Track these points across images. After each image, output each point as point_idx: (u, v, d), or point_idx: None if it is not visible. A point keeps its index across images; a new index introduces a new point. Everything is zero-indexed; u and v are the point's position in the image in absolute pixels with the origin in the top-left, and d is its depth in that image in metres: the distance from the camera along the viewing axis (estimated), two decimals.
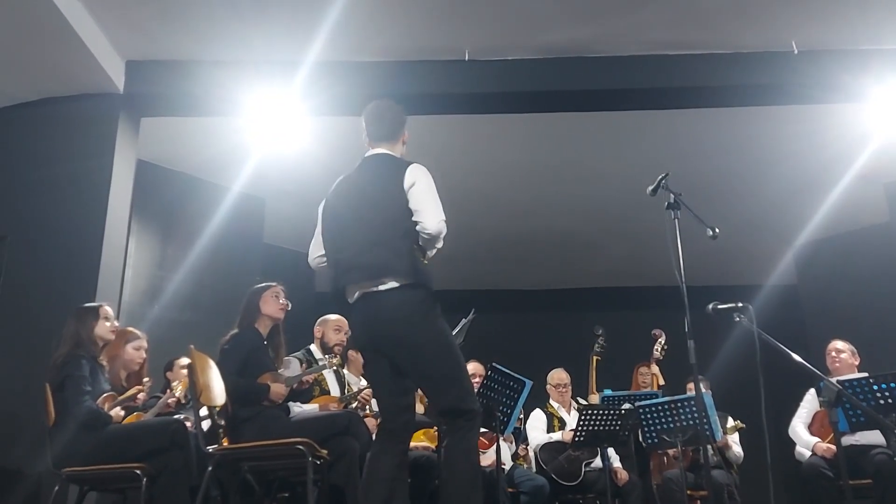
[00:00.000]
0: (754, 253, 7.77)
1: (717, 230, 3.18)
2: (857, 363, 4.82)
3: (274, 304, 3.79)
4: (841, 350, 4.85)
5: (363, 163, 3.12)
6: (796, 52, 4.92)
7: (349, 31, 4.66)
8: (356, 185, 3.08)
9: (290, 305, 3.87)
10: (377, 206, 2.96)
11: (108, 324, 3.74)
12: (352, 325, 3.10)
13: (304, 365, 4.17)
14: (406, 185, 2.93)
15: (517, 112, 5.38)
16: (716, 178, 6.26)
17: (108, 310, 3.80)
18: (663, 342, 5.79)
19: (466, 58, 4.98)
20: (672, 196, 3.30)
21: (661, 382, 5.68)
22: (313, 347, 4.37)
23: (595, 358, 5.57)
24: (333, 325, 4.38)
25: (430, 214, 2.89)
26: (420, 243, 2.91)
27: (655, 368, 5.77)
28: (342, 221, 3.03)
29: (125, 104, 4.97)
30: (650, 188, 3.35)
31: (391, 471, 2.83)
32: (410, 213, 2.90)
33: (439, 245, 2.95)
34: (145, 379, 3.95)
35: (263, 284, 3.87)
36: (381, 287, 2.85)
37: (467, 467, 2.83)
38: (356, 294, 2.92)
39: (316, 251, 3.14)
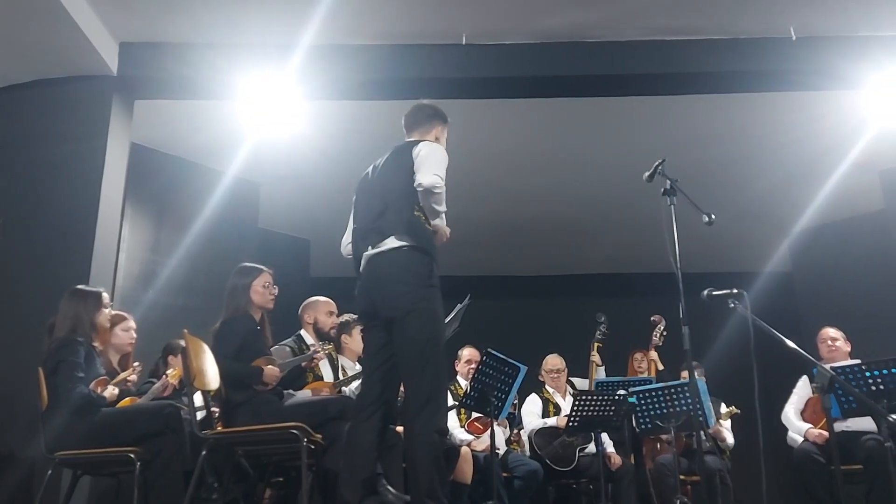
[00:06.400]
0: (749, 240, 7.77)
1: (712, 216, 3.19)
2: (848, 349, 4.85)
3: (264, 293, 3.72)
4: (835, 338, 4.86)
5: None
6: (794, 38, 4.90)
7: (345, 14, 4.62)
8: (379, 166, 3.26)
9: (276, 290, 3.80)
10: (391, 178, 3.14)
11: (106, 311, 3.74)
12: (358, 293, 3.17)
13: (312, 350, 4.05)
14: (414, 154, 3.09)
15: (514, 97, 5.36)
16: (712, 164, 6.25)
17: (107, 297, 3.80)
18: (662, 328, 5.78)
19: (464, 42, 4.94)
20: (668, 182, 3.29)
21: (661, 367, 5.69)
22: (303, 333, 4.26)
23: (596, 345, 5.57)
24: (325, 307, 4.31)
25: (424, 170, 3.02)
26: (421, 204, 3.01)
27: (654, 354, 5.77)
28: (363, 196, 3.24)
29: (119, 86, 4.92)
30: (647, 174, 3.35)
31: (370, 441, 2.96)
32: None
33: (437, 206, 3.01)
34: (135, 363, 3.94)
35: (250, 266, 3.77)
36: (382, 248, 3.01)
37: (428, 451, 2.87)
38: (363, 260, 3.08)
39: (345, 239, 3.29)
